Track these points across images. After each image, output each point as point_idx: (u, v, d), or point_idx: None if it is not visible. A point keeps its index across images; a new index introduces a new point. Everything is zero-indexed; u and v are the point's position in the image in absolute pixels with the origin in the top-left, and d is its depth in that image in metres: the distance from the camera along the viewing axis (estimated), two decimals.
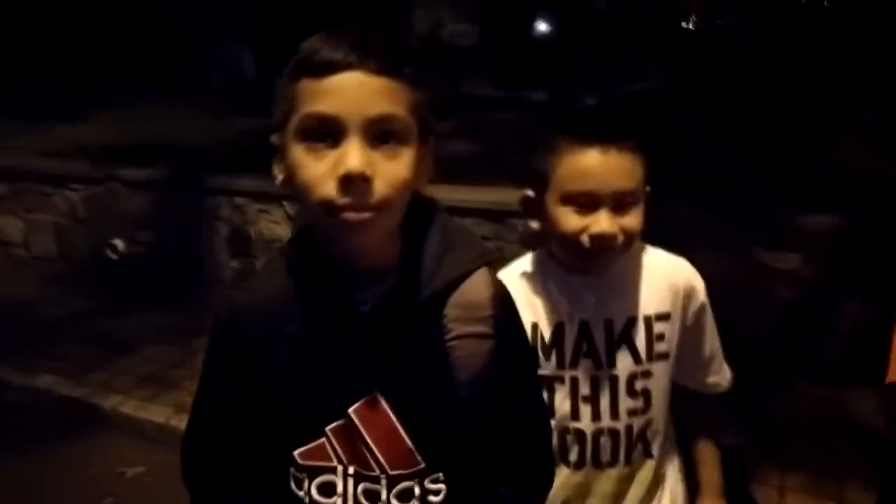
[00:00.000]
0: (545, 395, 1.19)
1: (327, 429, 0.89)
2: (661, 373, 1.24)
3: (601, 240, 1.11)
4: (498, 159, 4.53)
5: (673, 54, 8.35)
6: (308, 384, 0.89)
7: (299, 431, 0.90)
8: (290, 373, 0.89)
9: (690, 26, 16.89)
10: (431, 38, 12.36)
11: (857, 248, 3.13)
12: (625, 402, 1.22)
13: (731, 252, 3.08)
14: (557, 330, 1.22)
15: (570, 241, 1.13)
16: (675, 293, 1.24)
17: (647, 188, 1.17)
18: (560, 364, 1.22)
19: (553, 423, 1.19)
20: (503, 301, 0.93)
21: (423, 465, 0.89)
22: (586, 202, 1.11)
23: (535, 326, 1.22)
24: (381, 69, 0.78)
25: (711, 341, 1.31)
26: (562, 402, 1.22)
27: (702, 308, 1.27)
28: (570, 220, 1.13)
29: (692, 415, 1.35)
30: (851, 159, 3.88)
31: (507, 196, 3.81)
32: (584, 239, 1.12)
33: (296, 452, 0.90)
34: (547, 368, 1.22)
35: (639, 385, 1.22)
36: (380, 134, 0.78)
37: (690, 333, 1.27)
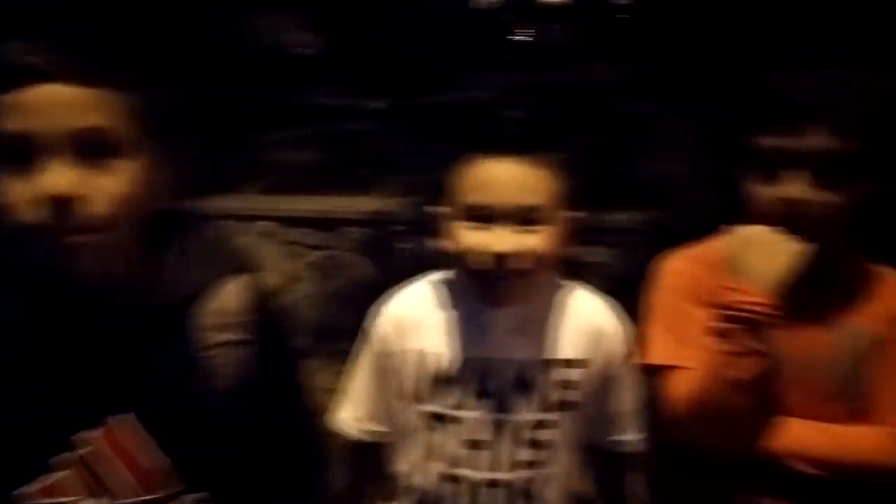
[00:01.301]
0: (430, 434, 1.12)
1: (69, 458, 0.80)
2: (569, 425, 1.13)
3: (499, 260, 1.03)
4: (333, 168, 4.56)
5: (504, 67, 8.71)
6: (44, 412, 0.80)
7: (38, 465, 0.80)
8: (23, 402, 0.80)
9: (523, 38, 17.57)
10: (274, 46, 12.10)
11: (656, 243, 3.51)
12: (522, 453, 1.11)
13: None
14: (456, 365, 1.12)
15: (468, 259, 1.06)
16: (594, 338, 1.14)
17: (574, 213, 1.09)
18: (454, 403, 1.11)
19: (437, 466, 1.12)
20: (260, 307, 0.90)
21: (184, 486, 0.84)
22: (484, 216, 1.04)
23: (433, 357, 1.12)
24: (85, 77, 0.71)
25: (626, 398, 1.17)
26: (449, 445, 1.11)
27: (619, 357, 1.16)
28: (467, 235, 1.05)
29: (606, 484, 1.23)
30: (653, 166, 4.31)
31: (339, 205, 3.84)
32: (482, 257, 1.04)
33: (34, 489, 0.80)
34: (439, 405, 1.12)
35: (541, 435, 1.11)
36: (89, 148, 0.72)
37: (603, 383, 1.15)
